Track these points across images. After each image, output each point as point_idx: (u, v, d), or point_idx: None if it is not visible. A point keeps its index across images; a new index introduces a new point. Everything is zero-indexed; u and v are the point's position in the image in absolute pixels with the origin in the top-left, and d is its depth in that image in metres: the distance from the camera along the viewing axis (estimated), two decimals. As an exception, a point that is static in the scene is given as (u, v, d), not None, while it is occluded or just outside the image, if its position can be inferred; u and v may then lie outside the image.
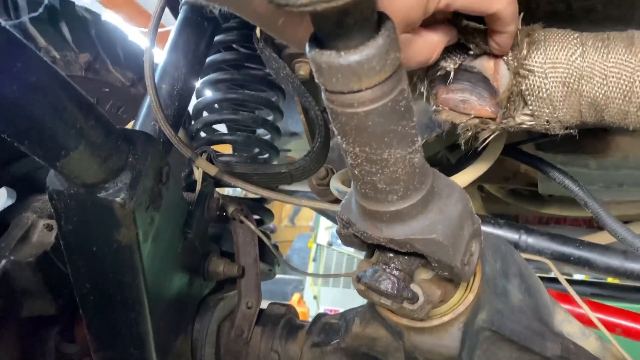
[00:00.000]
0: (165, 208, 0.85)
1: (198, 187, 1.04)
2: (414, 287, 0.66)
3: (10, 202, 1.25)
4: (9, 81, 0.54)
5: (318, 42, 0.48)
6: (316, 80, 0.51)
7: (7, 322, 1.15)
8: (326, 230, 6.10)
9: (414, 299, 0.65)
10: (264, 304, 1.22)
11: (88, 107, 0.65)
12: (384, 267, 0.65)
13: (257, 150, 1.42)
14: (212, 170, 1.02)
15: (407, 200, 0.58)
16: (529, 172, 1.46)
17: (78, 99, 0.64)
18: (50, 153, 0.64)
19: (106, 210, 0.73)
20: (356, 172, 0.57)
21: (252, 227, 1.14)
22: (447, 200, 0.61)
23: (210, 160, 1.05)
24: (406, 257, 0.66)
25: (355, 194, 0.61)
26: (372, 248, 0.72)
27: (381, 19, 0.48)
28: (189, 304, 1.11)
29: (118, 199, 0.72)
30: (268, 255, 1.32)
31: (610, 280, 2.05)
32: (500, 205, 1.71)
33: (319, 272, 5.75)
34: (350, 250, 5.59)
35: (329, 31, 0.46)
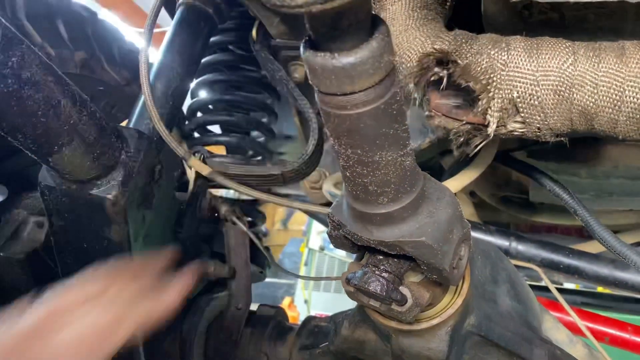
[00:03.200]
0: (157, 207, 0.85)
1: (190, 187, 1.04)
2: (403, 289, 0.66)
3: (1, 198, 1.24)
4: (4, 75, 0.54)
5: (312, 43, 0.49)
6: (310, 82, 0.51)
7: (-5, 319, 1.15)
8: (318, 234, 6.09)
9: (402, 301, 0.65)
10: (254, 308, 1.22)
11: (82, 104, 0.65)
12: (374, 269, 0.66)
13: (250, 152, 1.43)
14: (205, 171, 1.02)
15: (397, 202, 0.58)
16: (520, 180, 1.47)
17: (72, 95, 0.64)
18: (42, 148, 0.64)
19: (97, 207, 0.73)
20: (348, 174, 0.57)
21: (244, 228, 1.14)
22: (437, 204, 0.62)
23: (203, 160, 1.05)
24: (396, 260, 0.66)
25: (346, 195, 0.62)
26: (362, 251, 0.73)
27: (375, 23, 0.48)
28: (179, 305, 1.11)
29: (110, 196, 0.72)
30: (259, 257, 1.33)
31: (600, 289, 2.06)
32: (492, 213, 1.72)
33: (311, 276, 5.74)
34: (342, 254, 5.59)
35: (324, 33, 0.46)
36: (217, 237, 1.25)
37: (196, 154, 1.06)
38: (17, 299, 1.16)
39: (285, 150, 1.87)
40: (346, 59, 0.46)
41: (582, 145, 1.13)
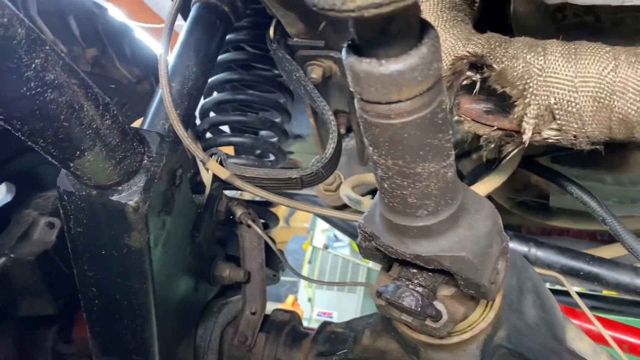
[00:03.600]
0: (177, 212, 0.82)
1: (207, 190, 1.01)
2: (438, 304, 0.63)
3: (9, 197, 1.22)
4: (27, 78, 0.52)
5: (356, 48, 0.46)
6: (351, 89, 0.48)
7: (5, 321, 1.13)
8: (322, 232, 6.06)
9: (437, 316, 0.63)
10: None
11: (105, 107, 0.63)
12: (407, 282, 0.63)
13: (259, 151, 1.40)
14: (224, 174, 0.99)
15: (437, 215, 0.56)
16: (539, 184, 1.44)
17: (95, 98, 0.61)
18: (64, 153, 0.61)
19: (118, 213, 0.70)
20: (385, 185, 0.55)
21: (260, 232, 1.12)
22: (476, 216, 0.59)
23: (221, 163, 1.02)
24: (430, 274, 0.64)
25: (381, 206, 0.59)
26: (390, 262, 0.70)
27: (424, 27, 0.45)
28: (194, 309, 1.09)
29: (131, 202, 0.69)
30: (273, 260, 1.30)
31: (604, 292, 2.03)
32: (503, 215, 1.69)
33: (314, 274, 5.72)
34: (345, 253, 5.57)
35: (371, 38, 0.44)
36: (231, 240, 1.22)
37: (213, 156, 1.03)
38: (26, 302, 1.14)
39: (294, 149, 1.85)
40: (394, 66, 0.44)
41: (609, 152, 1.10)
